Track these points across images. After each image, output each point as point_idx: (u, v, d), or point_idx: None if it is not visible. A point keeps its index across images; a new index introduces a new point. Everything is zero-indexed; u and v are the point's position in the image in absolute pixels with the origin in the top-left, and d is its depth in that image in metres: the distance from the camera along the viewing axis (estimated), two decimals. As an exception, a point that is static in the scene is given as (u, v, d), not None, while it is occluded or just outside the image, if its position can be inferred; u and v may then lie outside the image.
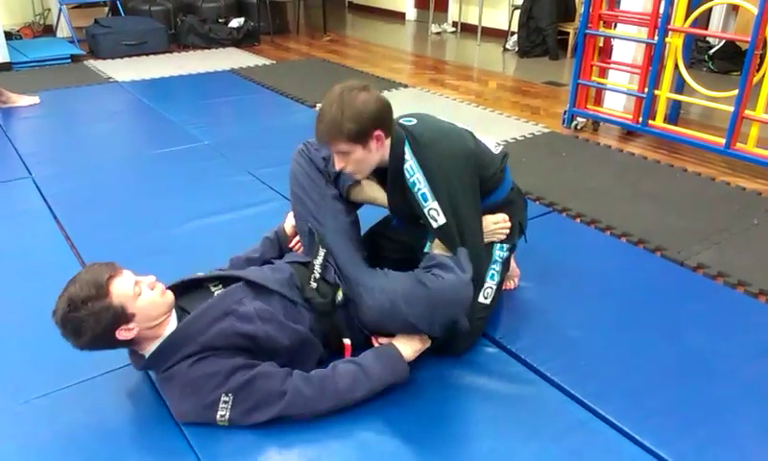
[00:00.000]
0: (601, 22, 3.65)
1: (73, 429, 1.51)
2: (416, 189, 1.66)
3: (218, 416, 1.48)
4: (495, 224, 1.84)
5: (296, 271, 1.74)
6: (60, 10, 5.79)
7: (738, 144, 3.17)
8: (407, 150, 1.68)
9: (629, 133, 3.78)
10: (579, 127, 3.86)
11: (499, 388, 1.67)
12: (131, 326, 1.46)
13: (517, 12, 6.00)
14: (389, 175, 1.74)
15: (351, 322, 1.71)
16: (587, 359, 1.77)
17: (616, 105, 3.90)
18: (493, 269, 1.84)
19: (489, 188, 1.82)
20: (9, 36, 5.44)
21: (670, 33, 3.32)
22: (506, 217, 1.86)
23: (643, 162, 3.34)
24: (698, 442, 1.50)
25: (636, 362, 1.77)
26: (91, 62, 5.28)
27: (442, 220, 1.65)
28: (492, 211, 1.86)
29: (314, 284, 1.69)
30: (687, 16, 3.29)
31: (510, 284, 2.09)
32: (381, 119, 1.62)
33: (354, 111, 1.57)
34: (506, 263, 1.91)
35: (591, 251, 2.42)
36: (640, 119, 3.52)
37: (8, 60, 4.95)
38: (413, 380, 1.68)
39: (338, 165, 1.67)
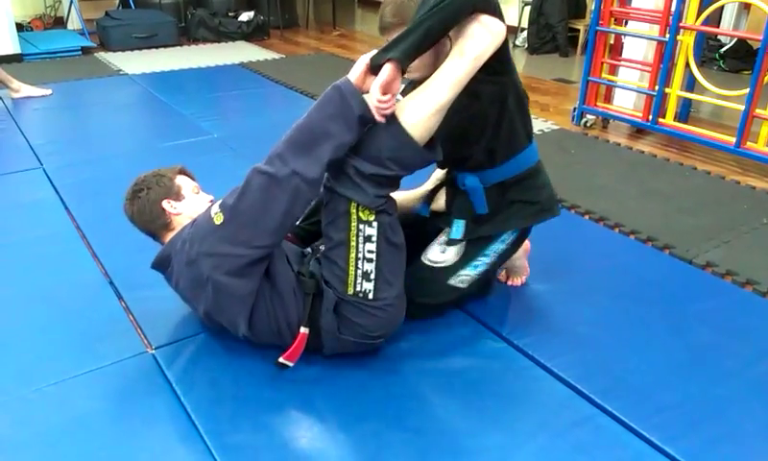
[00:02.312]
0: (612, 19, 3.63)
1: (84, 416, 1.53)
2: None
3: (213, 214, 1.56)
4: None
5: (313, 251, 1.76)
6: (71, 1, 5.81)
7: (749, 143, 3.16)
8: None
9: (639, 130, 3.76)
10: (588, 124, 3.86)
11: (506, 383, 1.68)
12: (177, 204, 1.74)
13: (528, 9, 5.98)
14: None
15: (319, 317, 1.63)
16: (594, 356, 1.78)
17: (626, 102, 3.89)
18: (480, 260, 1.81)
19: (517, 143, 1.76)
20: (20, 27, 5.47)
21: (682, 30, 3.31)
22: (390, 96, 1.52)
23: (653, 160, 3.33)
24: (705, 439, 1.50)
25: (643, 359, 1.77)
26: (102, 55, 5.31)
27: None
28: (517, 181, 1.79)
29: (310, 265, 1.68)
30: (699, 14, 3.27)
31: (517, 281, 2.09)
32: None
33: None
34: (503, 256, 1.86)
35: (600, 248, 2.42)
36: (650, 117, 3.50)
37: (19, 52, 4.97)
38: (418, 374, 1.69)
39: None
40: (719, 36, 5.24)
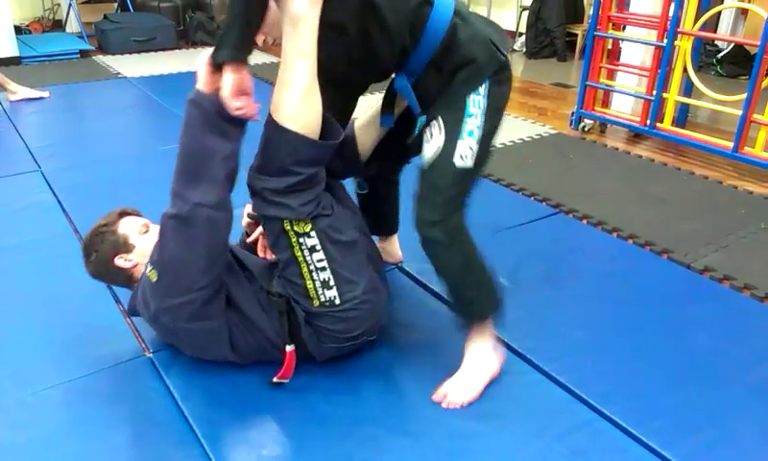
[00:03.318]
0: (610, 24, 3.65)
1: (81, 420, 1.53)
2: None
3: (148, 272, 1.55)
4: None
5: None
6: (70, 5, 5.82)
7: (746, 148, 3.17)
8: None
9: (636, 135, 3.77)
10: (586, 128, 3.86)
11: (504, 386, 1.67)
12: (129, 256, 1.65)
13: (526, 14, 6.00)
14: None
15: (299, 332, 1.60)
16: (592, 360, 1.78)
17: (624, 107, 3.90)
18: (470, 122, 1.55)
19: (415, 18, 1.50)
20: (18, 30, 5.47)
21: (679, 36, 3.32)
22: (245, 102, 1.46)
23: (650, 165, 3.34)
24: (703, 444, 1.50)
25: (641, 364, 1.78)
26: (100, 58, 5.31)
27: None
28: (443, 53, 1.53)
29: (275, 282, 1.63)
30: (697, 20, 3.29)
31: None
32: None
33: None
34: (492, 114, 1.57)
35: (598, 252, 2.43)
36: (648, 122, 3.51)
37: (17, 55, 4.97)
38: (415, 377, 1.69)
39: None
40: (716, 42, 5.26)
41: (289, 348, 1.60)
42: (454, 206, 1.56)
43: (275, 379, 1.61)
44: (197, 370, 1.68)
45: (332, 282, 1.55)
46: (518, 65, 5.74)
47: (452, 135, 1.54)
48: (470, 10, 1.61)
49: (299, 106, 1.45)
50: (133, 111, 4.05)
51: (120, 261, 1.65)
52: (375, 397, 1.62)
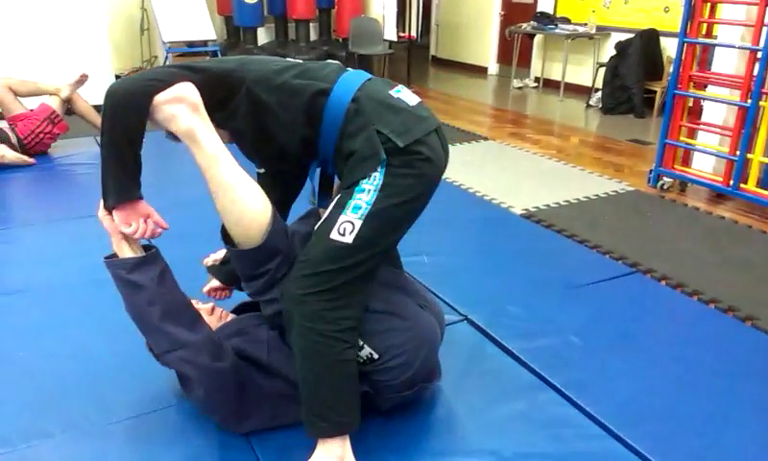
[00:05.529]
0: (691, 83, 3.59)
1: (160, 451, 1.59)
2: None
3: None
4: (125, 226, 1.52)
5: None
6: (166, 57, 6.24)
7: (840, 213, 3.01)
8: None
9: (719, 195, 3.65)
10: (665, 187, 3.77)
11: (577, 452, 1.63)
12: None
13: (602, 70, 5.97)
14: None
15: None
16: (670, 429, 1.71)
17: (705, 166, 3.79)
18: (358, 198, 1.42)
19: (310, 111, 1.48)
20: (118, 79, 5.89)
21: (764, 96, 3.23)
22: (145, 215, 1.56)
23: (734, 227, 3.21)
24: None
25: (724, 436, 1.69)
26: (189, 106, 5.62)
27: None
28: (342, 139, 1.48)
29: None
30: (784, 79, 3.19)
31: None
32: None
33: None
34: (391, 194, 1.42)
35: (677, 316, 2.34)
36: (731, 182, 3.40)
37: (115, 102, 5.34)
38: (474, 433, 1.67)
39: None
40: (806, 101, 5.06)
41: None
42: (323, 288, 1.40)
43: None
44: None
45: (361, 342, 1.52)
46: (594, 121, 5.70)
47: (337, 208, 1.44)
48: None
49: (233, 208, 1.46)
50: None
51: None
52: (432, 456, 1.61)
